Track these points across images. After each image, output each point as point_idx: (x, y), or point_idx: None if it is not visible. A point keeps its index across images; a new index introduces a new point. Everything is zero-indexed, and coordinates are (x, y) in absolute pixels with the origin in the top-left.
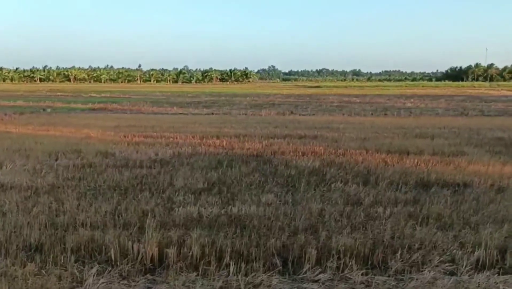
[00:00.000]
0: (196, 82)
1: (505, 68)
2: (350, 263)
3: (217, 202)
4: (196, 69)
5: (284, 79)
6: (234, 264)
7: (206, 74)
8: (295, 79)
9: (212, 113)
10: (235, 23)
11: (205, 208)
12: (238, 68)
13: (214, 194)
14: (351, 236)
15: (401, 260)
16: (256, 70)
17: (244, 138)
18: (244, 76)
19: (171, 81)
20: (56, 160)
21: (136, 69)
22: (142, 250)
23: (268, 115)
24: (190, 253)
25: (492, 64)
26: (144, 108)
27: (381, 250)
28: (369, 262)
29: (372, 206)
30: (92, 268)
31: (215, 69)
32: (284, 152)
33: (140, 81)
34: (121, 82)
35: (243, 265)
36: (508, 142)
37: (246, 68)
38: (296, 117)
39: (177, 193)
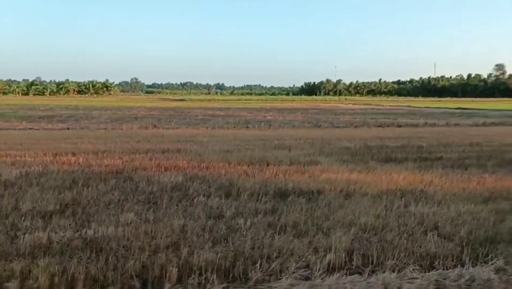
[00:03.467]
0: (50, 94)
1: (351, 84)
2: (212, 278)
3: (70, 225)
4: (51, 80)
5: (147, 92)
6: None
7: (61, 86)
8: (159, 92)
9: (68, 128)
10: (93, 32)
11: (56, 233)
12: (98, 80)
13: (67, 217)
14: (213, 250)
15: (260, 270)
16: (117, 82)
17: (103, 155)
18: (105, 89)
19: (20, 94)
20: None
21: None
22: None
23: (130, 129)
24: (36, 284)
25: (340, 80)
26: None
27: (241, 261)
28: (231, 275)
29: (234, 218)
30: None
31: (72, 81)
32: (146, 167)
33: None
34: None
35: None
36: (354, 151)
37: (107, 80)
38: (160, 131)
39: (23, 218)
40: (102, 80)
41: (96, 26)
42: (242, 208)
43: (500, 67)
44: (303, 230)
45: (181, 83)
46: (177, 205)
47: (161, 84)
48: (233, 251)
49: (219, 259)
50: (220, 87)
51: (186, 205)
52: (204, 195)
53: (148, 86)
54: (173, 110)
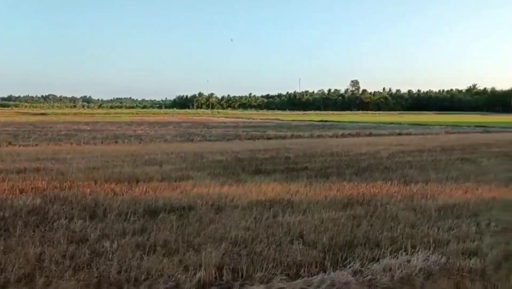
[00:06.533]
0: None
1: (223, 97)
2: None
3: None
4: None
5: (2, 105)
6: None
7: None
8: (16, 106)
9: None
10: None
11: None
12: None
13: None
14: (74, 278)
15: None
16: None
17: None
18: None
19: None
20: None
21: None
22: None
23: None
24: None
25: (212, 94)
26: None
27: (106, 287)
28: None
29: (99, 240)
30: None
31: None
32: None
33: None
34: None
35: None
36: (226, 165)
37: None
38: (16, 148)
39: None
40: None
41: None
42: (108, 229)
43: (355, 83)
44: (173, 248)
45: (42, 96)
46: (33, 231)
47: (19, 97)
48: (97, 277)
49: (80, 287)
50: (87, 100)
51: (45, 230)
52: (65, 218)
53: (3, 99)
54: (32, 125)
